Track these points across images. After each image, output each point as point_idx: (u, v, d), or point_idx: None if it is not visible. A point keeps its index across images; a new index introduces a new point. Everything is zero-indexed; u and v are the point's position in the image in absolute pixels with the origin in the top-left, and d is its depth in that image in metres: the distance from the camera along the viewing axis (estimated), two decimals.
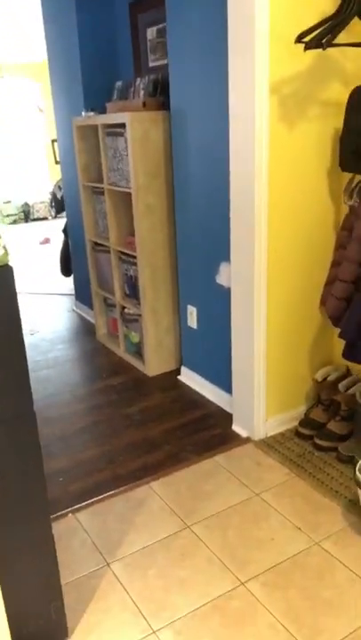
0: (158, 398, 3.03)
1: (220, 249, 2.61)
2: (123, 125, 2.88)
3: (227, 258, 2.55)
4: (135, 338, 3.38)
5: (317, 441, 2.44)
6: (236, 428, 2.65)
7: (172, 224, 3.02)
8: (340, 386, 2.45)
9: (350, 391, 2.42)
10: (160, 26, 3.22)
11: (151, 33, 3.30)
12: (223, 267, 2.64)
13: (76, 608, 1.72)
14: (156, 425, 2.76)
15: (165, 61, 3.10)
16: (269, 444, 2.51)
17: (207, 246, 2.74)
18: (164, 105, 2.90)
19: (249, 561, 1.87)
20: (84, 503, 2.20)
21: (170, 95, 2.75)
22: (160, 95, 2.99)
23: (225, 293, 2.63)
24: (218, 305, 2.74)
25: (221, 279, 2.68)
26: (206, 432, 2.68)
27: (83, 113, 3.30)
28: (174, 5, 2.55)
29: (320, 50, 1.98)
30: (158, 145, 2.88)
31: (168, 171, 2.93)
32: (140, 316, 3.21)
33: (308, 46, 1.95)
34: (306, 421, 2.55)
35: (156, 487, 2.27)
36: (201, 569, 1.85)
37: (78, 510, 2.16)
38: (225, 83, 2.26)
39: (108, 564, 1.89)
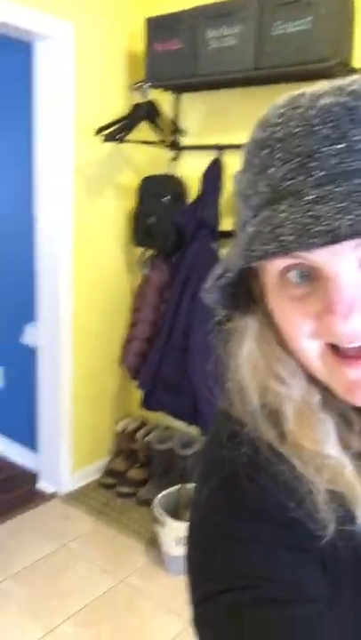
0: None
1: (25, 310, 2.74)
2: None
3: (32, 318, 2.69)
4: None
5: (119, 489, 2.62)
6: (41, 485, 2.70)
7: None
8: (138, 435, 2.70)
9: (147, 439, 2.69)
10: None
11: None
12: (29, 327, 2.77)
13: None
14: None
15: None
16: (75, 497, 2.62)
17: (11, 308, 2.85)
18: None
19: (59, 606, 1.93)
20: None
21: None
22: None
23: (31, 353, 2.74)
24: (24, 364, 2.83)
25: (27, 339, 2.79)
26: (9, 493, 2.67)
27: None
28: None
29: (117, 142, 2.34)
30: None
31: None
32: None
33: (106, 139, 2.31)
34: (108, 471, 2.72)
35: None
36: (11, 623, 1.85)
37: None
38: (27, 160, 2.47)
39: None
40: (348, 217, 0.36)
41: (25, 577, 2.07)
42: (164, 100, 2.40)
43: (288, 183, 0.41)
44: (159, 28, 2.20)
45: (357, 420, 0.48)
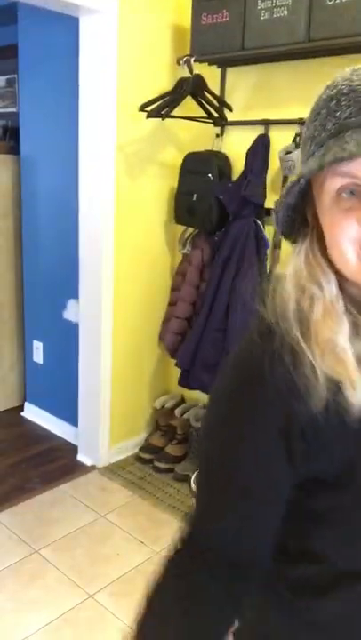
0: (1, 434, 3.02)
1: (67, 287, 2.78)
2: None
3: (74, 295, 2.72)
4: None
5: (156, 464, 2.66)
6: (81, 457, 2.77)
7: (20, 263, 3.12)
8: (176, 412, 2.72)
9: (185, 416, 2.71)
10: (9, 76, 3.39)
11: (0, 81, 3.45)
12: (71, 303, 2.81)
13: None
14: (0, 460, 2.76)
15: (15, 109, 3.25)
16: (113, 470, 2.67)
17: (55, 284, 2.89)
18: (13, 149, 3.04)
19: (97, 576, 1.99)
20: None
21: (20, 141, 2.91)
22: (10, 140, 3.13)
23: (72, 329, 2.79)
24: (64, 340, 2.88)
25: (69, 315, 2.83)
26: (52, 464, 2.75)
27: None
28: (26, 60, 2.76)
29: (159, 119, 2.32)
30: (7, 187, 2.99)
31: (17, 212, 3.04)
32: None
33: (149, 115, 2.28)
34: (146, 447, 2.76)
35: (1, 518, 2.29)
36: (51, 588, 1.92)
37: None
38: (75, 136, 2.49)
39: None
40: None
41: (64, 545, 2.14)
42: (209, 74, 2.35)
43: (351, 120, 0.53)
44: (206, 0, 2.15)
45: None
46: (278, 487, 0.61)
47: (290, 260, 0.62)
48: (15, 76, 3.14)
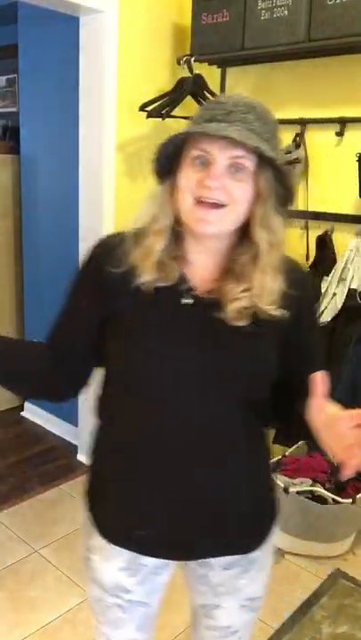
0: (1, 434, 3.02)
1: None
2: None
3: None
4: None
5: None
6: (81, 457, 2.77)
7: (20, 262, 3.12)
8: None
9: None
10: (9, 76, 3.39)
11: (0, 81, 3.45)
12: None
13: None
14: (0, 460, 2.76)
15: (15, 109, 3.25)
16: None
17: (55, 284, 2.88)
18: (13, 149, 3.04)
19: None
20: None
21: (20, 141, 2.91)
22: (10, 140, 3.13)
23: None
24: None
25: None
26: (51, 464, 2.75)
27: None
28: (27, 60, 2.75)
29: (160, 119, 2.31)
30: (7, 187, 2.99)
31: (17, 212, 3.04)
32: None
33: (149, 115, 2.28)
34: None
35: (1, 518, 2.29)
36: (51, 588, 1.92)
37: None
38: (75, 135, 2.48)
39: None
40: (237, 134, 0.80)
41: (64, 545, 2.14)
42: (209, 74, 2.35)
43: (216, 117, 0.83)
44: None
45: (174, 264, 0.91)
46: (87, 316, 0.97)
47: (153, 190, 0.93)
48: (15, 75, 3.15)
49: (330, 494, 2.09)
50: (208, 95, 2.30)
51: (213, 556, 0.99)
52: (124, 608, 1.05)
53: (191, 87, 2.28)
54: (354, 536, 2.21)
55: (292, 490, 2.09)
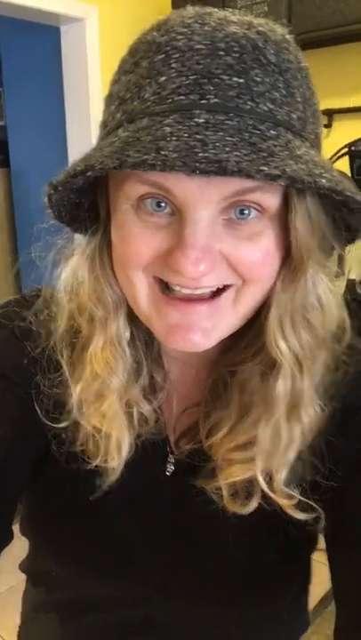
0: None
1: None
2: None
3: None
4: None
5: None
6: None
7: (17, 277, 3.11)
8: None
9: None
10: None
11: None
12: None
13: None
14: None
15: (3, 122, 3.26)
16: None
17: None
18: (3, 163, 3.04)
19: None
20: None
21: (9, 154, 2.91)
22: None
23: None
24: None
25: None
26: None
27: None
28: (11, 72, 2.76)
29: None
30: None
31: (11, 226, 3.04)
32: None
33: None
34: None
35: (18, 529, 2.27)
36: None
37: None
38: (64, 145, 2.49)
39: None
40: (236, 153, 0.34)
41: None
42: None
43: (179, 98, 0.37)
44: (187, 3, 2.15)
45: (160, 371, 0.49)
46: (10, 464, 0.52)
47: (69, 258, 0.49)
48: (1, 88, 3.15)
49: None
50: None
51: None
52: None
53: None
54: None
55: None
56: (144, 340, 0.48)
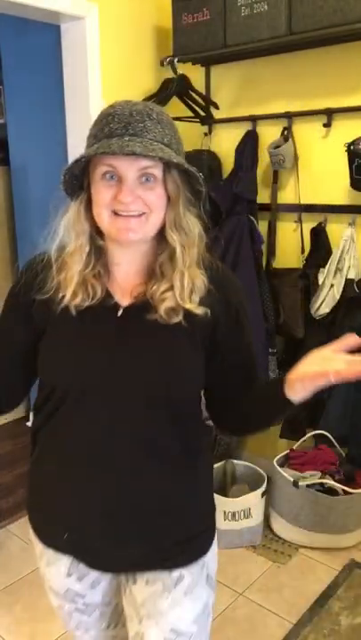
0: (9, 445, 3.02)
1: None
2: None
3: None
4: None
5: None
6: None
7: (16, 273, 3.11)
8: None
9: None
10: None
11: None
12: None
13: None
14: (9, 471, 2.76)
15: (2, 120, 3.25)
16: None
17: None
18: (3, 160, 3.04)
19: None
20: None
21: (9, 152, 2.91)
22: None
23: None
24: None
25: None
26: None
27: None
28: (11, 70, 2.75)
29: None
30: None
31: (10, 223, 3.05)
32: None
33: None
34: None
35: (14, 529, 2.28)
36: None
37: None
38: (64, 143, 2.48)
39: None
40: (142, 148, 0.81)
41: None
42: (193, 74, 2.35)
43: (116, 131, 0.84)
44: (185, 2, 2.15)
45: (99, 280, 0.94)
46: (18, 341, 0.99)
47: (69, 209, 0.92)
48: (1, 86, 3.14)
49: (340, 485, 2.09)
50: (194, 95, 2.31)
51: (135, 568, 0.99)
52: (84, 611, 1.06)
53: (176, 88, 2.29)
54: None
55: (301, 483, 2.09)
56: (99, 253, 0.94)
